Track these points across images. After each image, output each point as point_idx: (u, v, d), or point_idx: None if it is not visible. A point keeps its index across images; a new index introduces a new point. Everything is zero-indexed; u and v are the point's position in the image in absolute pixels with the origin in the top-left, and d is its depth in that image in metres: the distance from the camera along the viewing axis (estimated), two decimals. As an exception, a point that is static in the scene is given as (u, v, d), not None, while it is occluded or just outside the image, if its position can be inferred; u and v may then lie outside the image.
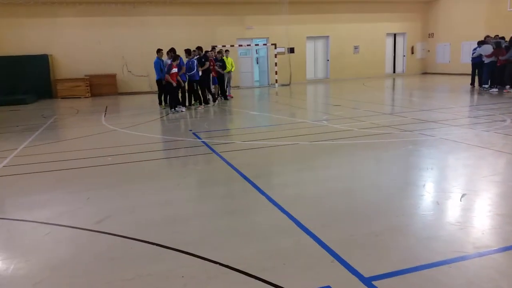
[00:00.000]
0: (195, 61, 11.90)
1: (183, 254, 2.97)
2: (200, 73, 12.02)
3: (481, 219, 3.42)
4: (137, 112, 12.00)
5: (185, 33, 19.38)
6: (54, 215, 3.95)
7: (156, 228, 3.50)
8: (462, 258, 2.73)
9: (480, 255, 2.77)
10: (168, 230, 3.44)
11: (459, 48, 21.95)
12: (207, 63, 12.31)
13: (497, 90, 13.23)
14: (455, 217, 3.49)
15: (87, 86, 18.16)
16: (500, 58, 13.27)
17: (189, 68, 11.77)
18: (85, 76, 18.37)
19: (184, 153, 6.57)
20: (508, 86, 13.18)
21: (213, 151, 6.34)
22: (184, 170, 5.64)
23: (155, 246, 3.13)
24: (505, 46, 13.33)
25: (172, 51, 11.50)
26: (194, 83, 12.09)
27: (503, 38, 14.30)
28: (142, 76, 19.22)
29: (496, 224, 3.31)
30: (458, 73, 20.87)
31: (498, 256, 2.76)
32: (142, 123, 9.81)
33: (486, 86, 13.87)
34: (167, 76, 11.19)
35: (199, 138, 7.44)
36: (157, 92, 12.76)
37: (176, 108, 11.36)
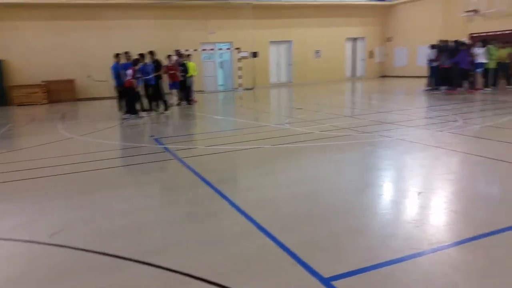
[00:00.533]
0: (151, 65, 11.66)
1: (143, 265, 2.90)
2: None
3: (436, 216, 3.55)
4: (97, 119, 11.67)
5: (147, 37, 19.04)
6: (6, 228, 3.75)
7: (115, 239, 3.40)
8: (418, 255, 2.82)
9: (435, 251, 2.87)
10: (128, 240, 3.35)
11: (415, 51, 22.84)
12: (162, 69, 12.08)
13: (440, 91, 13.98)
14: (411, 215, 3.61)
15: (44, 93, 17.44)
16: (439, 63, 14.05)
17: (146, 72, 11.52)
18: (42, 82, 17.65)
19: (145, 159, 6.43)
20: (445, 87, 13.90)
21: (176, 157, 6.26)
22: (145, 178, 5.52)
23: (113, 257, 3.04)
24: (449, 50, 14.00)
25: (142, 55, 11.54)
26: (150, 87, 11.84)
27: (455, 42, 15.03)
28: (101, 81, 18.70)
29: (450, 220, 3.45)
30: (415, 76, 21.65)
31: (451, 251, 2.88)
32: (101, 129, 9.53)
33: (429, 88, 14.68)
34: (131, 81, 10.97)
35: (161, 144, 7.32)
36: (117, 97, 12.40)
37: (139, 114, 11.12)
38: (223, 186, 4.65)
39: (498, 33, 17.91)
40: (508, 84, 14.27)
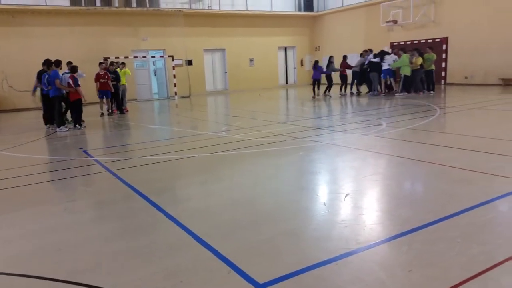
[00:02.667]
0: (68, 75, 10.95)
1: (72, 285, 2.74)
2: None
3: (364, 216, 3.75)
4: (20, 131, 10.85)
5: (74, 44, 18.15)
6: None
7: (40, 259, 3.18)
8: (348, 254, 2.96)
9: (363, 249, 3.03)
10: (54, 260, 3.15)
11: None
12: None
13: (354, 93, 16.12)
14: (342, 216, 3.79)
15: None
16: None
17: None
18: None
19: (73, 173, 6.10)
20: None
21: (107, 169, 6.00)
22: (73, 193, 5.22)
23: (38, 279, 2.84)
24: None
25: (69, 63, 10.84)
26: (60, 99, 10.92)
27: (370, 50, 16.52)
28: (26, 91, 17.42)
29: (376, 219, 3.67)
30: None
31: (378, 249, 3.06)
32: (25, 143, 8.89)
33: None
34: (79, 89, 10.40)
35: (91, 156, 6.99)
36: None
37: (61, 127, 10.39)
38: (158, 197, 4.54)
39: (415, 42, 19.48)
40: (417, 90, 15.35)
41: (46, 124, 10.91)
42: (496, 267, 2.65)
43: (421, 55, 14.80)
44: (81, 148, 7.96)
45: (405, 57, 14.68)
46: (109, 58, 16.35)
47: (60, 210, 4.37)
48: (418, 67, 14.70)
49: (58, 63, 10.41)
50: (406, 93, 14.88)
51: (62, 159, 7.12)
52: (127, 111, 14.51)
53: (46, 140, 9.31)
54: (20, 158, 7.23)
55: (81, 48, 18.20)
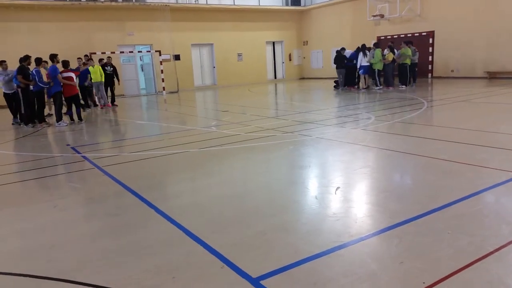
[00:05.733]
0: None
1: (62, 283, 2.72)
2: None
3: (355, 209, 3.79)
4: (5, 128, 10.66)
5: (57, 40, 17.84)
6: None
7: (29, 258, 3.14)
8: (339, 247, 2.98)
9: (354, 242, 3.06)
10: (44, 258, 3.11)
11: (330, 54, 24.12)
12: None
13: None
14: (332, 209, 3.81)
15: None
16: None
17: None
18: None
19: (61, 171, 6.03)
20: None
21: (96, 166, 5.94)
22: (62, 190, 5.16)
23: (28, 277, 2.81)
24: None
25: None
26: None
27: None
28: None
29: (367, 212, 3.70)
30: (331, 77, 22.93)
31: (369, 242, 3.08)
32: (10, 140, 8.74)
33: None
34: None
35: (79, 153, 6.90)
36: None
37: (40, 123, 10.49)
38: (148, 194, 4.51)
39: (402, 36, 19.61)
40: (376, 84, 15.56)
41: (28, 122, 10.56)
42: (485, 258, 2.69)
43: (392, 50, 15.18)
44: (69, 145, 7.86)
45: (378, 52, 14.90)
46: (92, 54, 16.25)
47: (49, 208, 4.31)
48: (390, 62, 15.07)
49: (53, 57, 10.47)
50: (385, 88, 15.12)
51: (50, 156, 7.03)
52: (109, 106, 14.53)
53: (32, 138, 9.16)
54: (7, 156, 7.12)
55: (66, 43, 17.90)
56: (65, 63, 10.76)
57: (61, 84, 10.46)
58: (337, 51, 16.30)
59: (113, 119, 11.67)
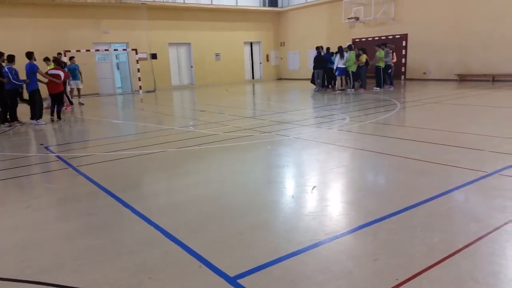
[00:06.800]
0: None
1: (36, 285, 2.66)
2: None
3: (330, 207, 3.85)
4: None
5: (32, 36, 17.37)
6: None
7: (4, 259, 3.05)
8: (316, 245, 3.03)
9: (330, 240, 3.12)
10: (16, 260, 3.03)
11: (306, 55, 24.36)
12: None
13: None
14: (309, 208, 3.87)
15: None
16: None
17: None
18: None
19: (35, 170, 5.87)
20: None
21: (70, 165, 5.82)
22: (35, 190, 5.03)
23: (3, 281, 2.73)
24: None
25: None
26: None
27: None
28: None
29: (342, 210, 3.77)
30: (307, 78, 23.21)
31: (344, 240, 3.15)
32: (-21, 139, 8.45)
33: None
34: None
35: (53, 153, 6.74)
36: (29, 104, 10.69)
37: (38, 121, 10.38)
38: (124, 193, 4.46)
39: (376, 38, 20.02)
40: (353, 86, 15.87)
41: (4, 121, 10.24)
42: (456, 254, 2.79)
43: (364, 52, 15.62)
44: (42, 144, 7.67)
45: (352, 54, 15.21)
46: (63, 52, 15.90)
47: (22, 208, 4.20)
48: (363, 64, 15.46)
49: (29, 55, 10.34)
50: (360, 89, 15.44)
51: (23, 155, 6.84)
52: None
53: (3, 137, 8.88)
54: (-25, 156, 6.87)
55: (40, 40, 17.45)
56: (59, 62, 11.27)
57: (40, 82, 10.47)
58: (317, 52, 16.40)
59: (89, 119, 11.44)
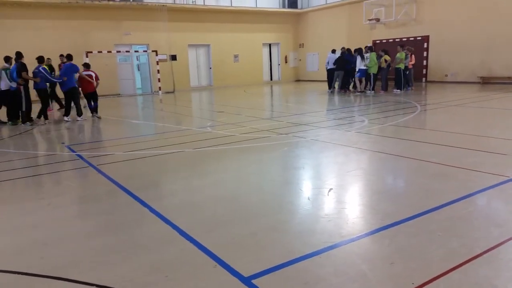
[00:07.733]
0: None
1: (55, 280, 2.73)
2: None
3: (347, 210, 3.82)
4: (-2, 126, 10.62)
5: (55, 38, 17.80)
6: None
7: (22, 255, 3.14)
8: (331, 248, 3.01)
9: (345, 243, 3.09)
10: (37, 256, 3.12)
11: (325, 57, 24.15)
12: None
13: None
14: (324, 210, 3.85)
15: None
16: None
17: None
18: None
19: (56, 168, 6.01)
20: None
21: (90, 164, 5.94)
22: (56, 188, 5.16)
23: (21, 275, 2.81)
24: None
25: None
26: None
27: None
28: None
29: (358, 214, 3.73)
30: (326, 80, 23.07)
31: (360, 243, 3.12)
32: (5, 137, 8.70)
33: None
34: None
35: (74, 152, 6.90)
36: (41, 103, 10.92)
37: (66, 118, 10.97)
38: (142, 193, 4.52)
39: (397, 40, 19.74)
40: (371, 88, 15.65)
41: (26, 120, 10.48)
42: (474, 259, 2.73)
43: (387, 54, 15.35)
44: (64, 143, 7.85)
45: (373, 55, 15.01)
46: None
47: (44, 205, 4.31)
48: (385, 65, 15.25)
49: (70, 57, 11.33)
50: (380, 92, 15.25)
51: (45, 154, 7.02)
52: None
53: (26, 136, 9.13)
54: (1, 153, 7.09)
55: (63, 42, 17.87)
56: (87, 64, 12.09)
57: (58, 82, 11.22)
58: (341, 53, 16.29)
59: (109, 119, 11.64)
